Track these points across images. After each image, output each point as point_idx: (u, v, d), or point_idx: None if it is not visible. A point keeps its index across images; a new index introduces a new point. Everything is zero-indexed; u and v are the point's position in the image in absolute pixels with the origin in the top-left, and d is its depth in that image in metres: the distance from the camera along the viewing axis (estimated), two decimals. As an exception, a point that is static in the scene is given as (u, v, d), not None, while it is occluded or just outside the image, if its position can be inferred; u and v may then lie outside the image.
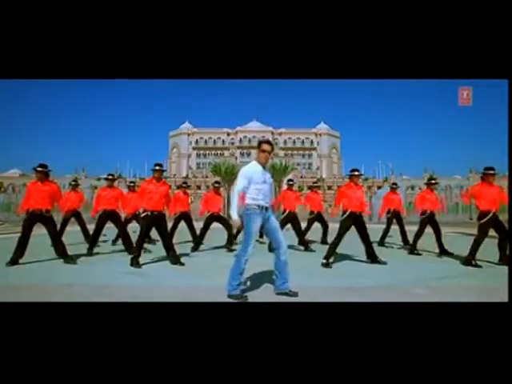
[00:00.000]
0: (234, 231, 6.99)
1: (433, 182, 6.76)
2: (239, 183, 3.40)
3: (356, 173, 5.40)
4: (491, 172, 5.25)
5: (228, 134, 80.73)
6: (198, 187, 44.48)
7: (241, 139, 78.81)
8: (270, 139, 75.47)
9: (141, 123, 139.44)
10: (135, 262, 4.99)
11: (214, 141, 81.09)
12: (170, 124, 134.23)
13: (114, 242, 7.65)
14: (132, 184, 8.21)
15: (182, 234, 7.54)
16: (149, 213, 5.11)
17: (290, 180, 7.55)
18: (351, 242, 5.74)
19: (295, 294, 3.33)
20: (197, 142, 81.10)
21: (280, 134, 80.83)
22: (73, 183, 8.01)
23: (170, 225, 6.02)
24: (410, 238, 7.38)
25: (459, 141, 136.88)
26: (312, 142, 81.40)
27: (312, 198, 7.88)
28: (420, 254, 6.26)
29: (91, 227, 7.56)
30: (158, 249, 6.99)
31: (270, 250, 6.55)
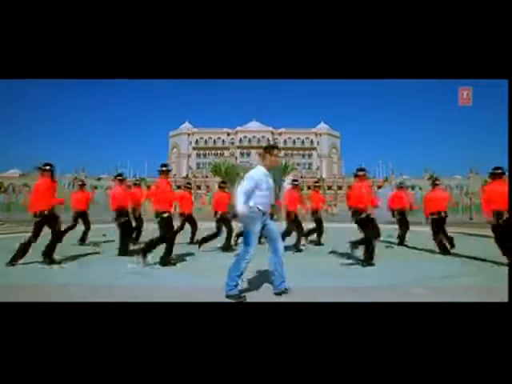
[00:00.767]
0: (234, 234, 6.98)
1: (437, 182, 6.76)
2: (247, 185, 3.41)
3: (360, 173, 5.48)
4: (499, 171, 5.22)
5: (228, 134, 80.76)
6: (198, 187, 44.51)
7: (241, 139, 78.86)
8: (270, 139, 75.84)
9: (141, 123, 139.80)
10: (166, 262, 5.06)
11: (214, 141, 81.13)
12: (170, 124, 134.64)
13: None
14: (137, 182, 8.25)
15: (183, 234, 7.55)
16: (169, 214, 5.15)
17: (294, 180, 7.55)
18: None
19: (286, 292, 3.42)
20: (197, 142, 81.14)
21: (280, 133, 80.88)
22: (80, 183, 8.11)
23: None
24: (411, 239, 7.43)
25: (459, 141, 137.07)
26: (312, 141, 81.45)
27: (315, 198, 7.89)
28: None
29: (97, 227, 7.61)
30: (158, 249, 7.01)
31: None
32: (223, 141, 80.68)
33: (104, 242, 7.68)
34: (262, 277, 4.21)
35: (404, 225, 7.56)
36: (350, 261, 5.53)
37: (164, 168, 5.42)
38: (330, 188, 41.92)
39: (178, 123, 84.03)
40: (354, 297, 3.37)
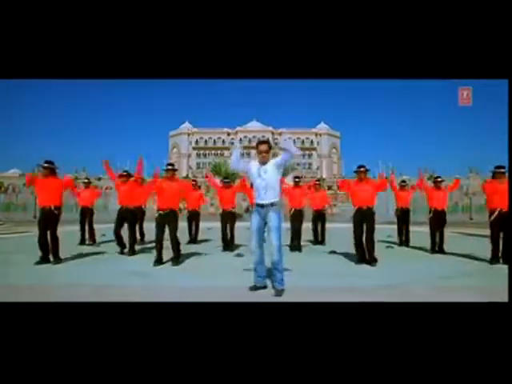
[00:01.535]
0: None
1: (438, 179, 6.77)
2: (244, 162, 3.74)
3: (362, 169, 5.43)
4: (502, 170, 5.25)
5: (228, 134, 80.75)
6: (199, 187, 44.46)
7: (241, 139, 78.63)
8: (270, 139, 75.74)
9: (141, 123, 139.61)
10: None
11: (214, 141, 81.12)
12: (170, 124, 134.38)
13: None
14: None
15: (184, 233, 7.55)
16: (161, 212, 5.16)
17: (296, 177, 7.54)
18: (351, 242, 5.73)
19: (279, 294, 3.44)
20: (197, 142, 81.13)
21: (280, 133, 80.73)
22: (86, 181, 8.20)
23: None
24: (413, 239, 7.43)
25: (459, 141, 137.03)
26: (312, 142, 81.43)
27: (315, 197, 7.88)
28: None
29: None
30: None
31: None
32: (223, 141, 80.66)
33: (104, 242, 7.69)
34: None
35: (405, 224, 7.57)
36: (350, 261, 5.53)
37: (169, 167, 5.44)
38: (330, 188, 41.90)
39: (178, 123, 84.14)
40: (354, 297, 3.36)
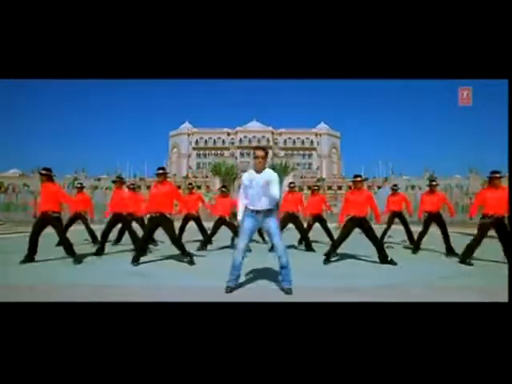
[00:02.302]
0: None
1: (433, 183, 6.75)
2: (240, 188, 3.80)
3: (358, 178, 5.54)
4: (497, 175, 5.25)
5: (228, 134, 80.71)
6: (198, 187, 44.48)
7: (241, 139, 78.79)
8: (270, 139, 75.74)
9: (141, 123, 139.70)
10: (135, 260, 5.11)
11: (214, 141, 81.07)
12: (170, 124, 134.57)
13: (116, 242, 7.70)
14: (132, 186, 8.18)
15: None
16: (152, 214, 5.26)
17: (291, 183, 7.53)
18: (351, 243, 5.73)
19: (289, 292, 3.48)
20: (197, 142, 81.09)
21: (280, 134, 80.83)
22: (78, 185, 8.08)
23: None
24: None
25: (459, 141, 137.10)
26: (312, 142, 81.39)
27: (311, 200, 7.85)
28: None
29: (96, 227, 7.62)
30: (158, 249, 7.01)
31: (270, 250, 6.59)
32: (223, 141, 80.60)
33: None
34: (263, 276, 4.22)
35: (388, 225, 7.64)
36: (350, 261, 5.53)
37: (160, 171, 5.42)
38: (330, 188, 41.92)
39: (178, 123, 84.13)
40: (354, 297, 3.36)
